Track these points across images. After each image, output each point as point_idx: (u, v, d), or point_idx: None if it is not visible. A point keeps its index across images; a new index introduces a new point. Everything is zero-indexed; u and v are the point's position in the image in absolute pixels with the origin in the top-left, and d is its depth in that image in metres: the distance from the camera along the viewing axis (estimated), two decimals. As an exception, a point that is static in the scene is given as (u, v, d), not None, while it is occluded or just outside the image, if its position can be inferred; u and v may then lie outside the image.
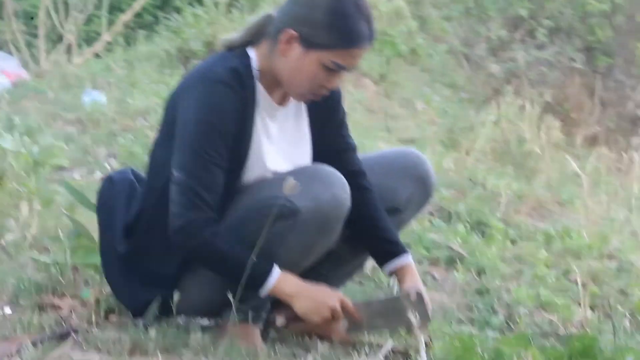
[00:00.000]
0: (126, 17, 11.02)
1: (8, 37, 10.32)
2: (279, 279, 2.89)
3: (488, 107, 8.57)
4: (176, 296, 2.99)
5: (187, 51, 9.11)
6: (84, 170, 5.66)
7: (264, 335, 3.12)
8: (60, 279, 3.37)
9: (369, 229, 3.18)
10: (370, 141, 6.69)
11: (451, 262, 4.52)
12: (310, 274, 3.16)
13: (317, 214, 2.88)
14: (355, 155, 3.21)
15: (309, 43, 2.89)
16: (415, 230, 4.72)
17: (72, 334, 2.98)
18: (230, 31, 5.49)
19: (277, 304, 3.15)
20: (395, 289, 3.47)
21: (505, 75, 9.35)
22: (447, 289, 4.14)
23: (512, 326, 3.67)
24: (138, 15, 11.59)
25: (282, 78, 2.96)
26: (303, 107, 3.13)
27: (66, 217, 3.79)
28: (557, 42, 10.50)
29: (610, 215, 5.74)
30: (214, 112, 2.89)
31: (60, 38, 10.57)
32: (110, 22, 10.97)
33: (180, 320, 3.19)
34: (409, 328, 3.06)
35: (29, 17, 11.63)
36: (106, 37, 10.71)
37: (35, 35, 10.57)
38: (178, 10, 10.33)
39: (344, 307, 2.99)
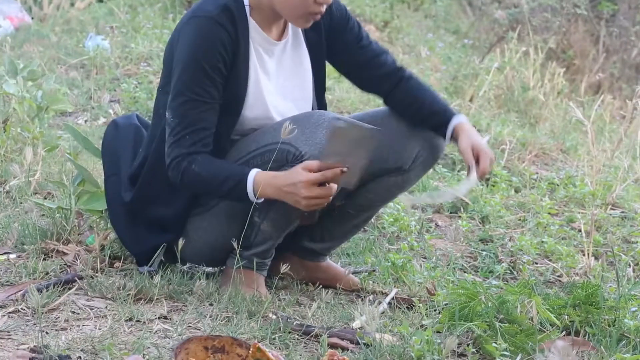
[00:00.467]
0: (129, -40, 10.90)
1: (10, -20, 10.22)
2: (256, 186, 2.87)
3: (492, 54, 8.54)
4: (181, 242, 3.00)
5: (190, -6, 9.05)
6: (87, 115, 5.66)
7: (269, 284, 3.13)
8: (65, 224, 3.38)
9: (417, 113, 3.22)
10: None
11: (455, 210, 4.53)
12: (317, 228, 3.24)
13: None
14: (386, 56, 3.24)
15: None
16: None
17: (77, 280, 3.00)
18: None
19: (281, 253, 3.17)
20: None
21: (509, 22, 9.27)
22: (450, 237, 4.14)
23: (516, 274, 3.68)
24: (141, -42, 11.47)
25: (277, 7, 2.99)
26: (302, 41, 3.15)
27: (70, 163, 3.79)
28: (561, -12, 10.41)
29: (614, 163, 5.74)
30: (201, 49, 2.92)
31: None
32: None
33: (185, 267, 3.21)
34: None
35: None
36: (109, -20, 10.61)
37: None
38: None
39: (316, 170, 2.85)
